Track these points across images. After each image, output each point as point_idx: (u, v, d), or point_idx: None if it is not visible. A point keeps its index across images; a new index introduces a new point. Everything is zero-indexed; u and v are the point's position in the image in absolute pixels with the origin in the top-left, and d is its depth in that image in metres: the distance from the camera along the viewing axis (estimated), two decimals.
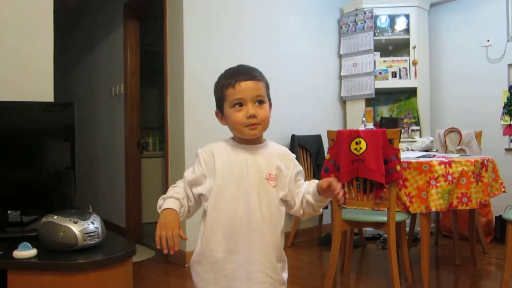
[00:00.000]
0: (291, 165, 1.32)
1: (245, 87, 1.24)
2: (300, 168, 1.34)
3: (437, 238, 3.77)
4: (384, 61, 4.21)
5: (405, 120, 4.24)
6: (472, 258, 3.13)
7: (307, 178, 3.89)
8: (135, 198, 4.13)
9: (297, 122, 3.96)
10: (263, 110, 1.26)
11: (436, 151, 3.49)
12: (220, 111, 1.31)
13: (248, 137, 1.27)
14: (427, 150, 3.43)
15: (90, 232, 1.61)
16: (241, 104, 1.24)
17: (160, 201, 1.25)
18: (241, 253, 1.23)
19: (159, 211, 1.23)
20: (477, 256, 3.19)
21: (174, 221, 1.18)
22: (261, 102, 1.26)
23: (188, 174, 1.29)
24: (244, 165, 1.26)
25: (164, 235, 1.15)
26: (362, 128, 3.63)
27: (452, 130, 3.56)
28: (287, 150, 1.37)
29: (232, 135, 1.34)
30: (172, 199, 1.23)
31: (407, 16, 4.19)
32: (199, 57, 3.29)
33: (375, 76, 4.15)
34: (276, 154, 1.31)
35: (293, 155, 1.36)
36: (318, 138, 4.06)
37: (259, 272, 1.23)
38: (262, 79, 1.30)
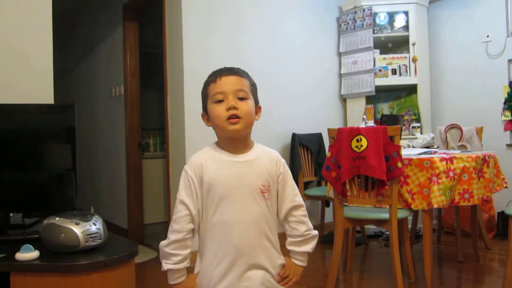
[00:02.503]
0: (278, 171, 1.28)
1: (226, 81, 1.22)
2: (287, 172, 1.31)
3: (439, 234, 3.76)
4: (384, 59, 4.20)
5: (405, 117, 4.24)
6: (475, 254, 3.13)
7: (308, 176, 3.90)
8: (136, 199, 4.14)
9: (298, 121, 3.96)
10: (245, 104, 1.21)
11: (437, 147, 3.49)
12: (205, 112, 1.28)
13: (230, 134, 1.22)
14: (428, 147, 3.43)
15: (92, 233, 1.61)
16: (221, 101, 1.21)
17: (166, 267, 1.27)
18: (241, 267, 1.21)
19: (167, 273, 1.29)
20: (480, 252, 3.18)
21: None
22: (242, 98, 1.21)
23: (184, 204, 1.23)
24: (237, 179, 1.22)
25: None
26: (362, 125, 3.63)
27: (453, 126, 3.56)
28: (275, 155, 1.31)
29: (215, 140, 1.31)
30: (178, 270, 1.28)
31: (406, 13, 4.19)
32: (198, 57, 3.29)
33: (375, 73, 4.15)
34: (265, 161, 1.27)
35: (282, 161, 1.32)
36: (319, 136, 4.06)
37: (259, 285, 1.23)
38: (246, 77, 1.26)
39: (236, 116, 1.19)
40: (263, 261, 1.23)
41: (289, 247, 1.32)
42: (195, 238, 1.29)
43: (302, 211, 1.31)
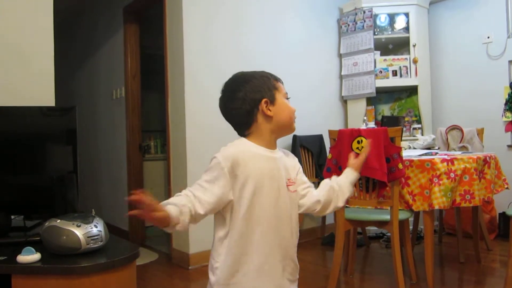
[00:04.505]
0: (297, 167, 1.36)
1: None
2: (300, 167, 1.40)
3: (440, 236, 3.76)
4: (385, 60, 4.20)
5: (406, 119, 4.24)
6: (476, 255, 3.12)
7: (309, 178, 3.89)
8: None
9: (298, 123, 3.87)
10: None
11: (438, 148, 3.49)
12: (271, 100, 1.26)
13: (290, 131, 1.34)
14: (429, 148, 3.43)
15: (93, 236, 1.61)
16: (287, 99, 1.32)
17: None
18: (268, 262, 1.22)
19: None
20: (481, 253, 3.18)
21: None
22: None
23: (211, 186, 1.15)
24: (273, 172, 1.23)
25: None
26: (363, 127, 3.63)
27: (454, 127, 3.56)
28: (291, 153, 1.42)
29: (243, 137, 1.27)
30: (169, 205, 1.10)
31: (406, 15, 4.19)
32: (199, 59, 3.29)
33: (376, 75, 4.15)
34: (290, 159, 1.35)
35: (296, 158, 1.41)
36: (319, 138, 4.06)
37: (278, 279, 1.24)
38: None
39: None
40: (291, 254, 1.29)
41: (341, 182, 1.46)
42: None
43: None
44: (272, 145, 1.28)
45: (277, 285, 1.23)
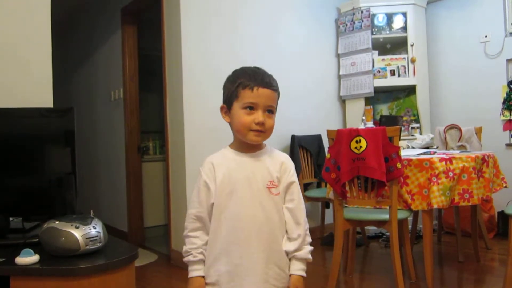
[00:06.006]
0: (286, 174, 1.30)
1: (262, 93, 1.23)
2: (294, 178, 1.32)
3: (439, 235, 3.76)
4: (383, 60, 4.21)
5: (404, 118, 4.24)
6: (475, 254, 3.13)
7: (308, 178, 3.90)
8: (136, 202, 4.14)
9: (297, 123, 3.96)
10: (271, 120, 1.26)
11: (437, 148, 3.49)
12: (228, 107, 1.30)
13: (249, 142, 1.26)
14: (427, 147, 3.43)
15: (92, 237, 1.60)
16: (252, 108, 1.23)
17: (186, 256, 1.28)
18: (244, 265, 1.23)
19: (186, 262, 1.28)
20: (480, 252, 3.18)
21: None
22: (271, 111, 1.26)
23: (195, 203, 1.29)
24: (245, 174, 1.26)
25: None
26: (362, 126, 3.63)
27: (452, 126, 3.56)
28: (285, 158, 1.34)
29: (229, 144, 1.34)
30: (196, 266, 1.26)
31: (404, 14, 4.20)
32: (197, 60, 3.29)
33: (374, 74, 4.16)
34: (275, 161, 1.30)
35: (292, 164, 1.34)
36: (318, 138, 4.06)
37: (260, 282, 1.23)
38: (277, 90, 1.29)
39: (261, 131, 1.24)
40: (267, 256, 1.24)
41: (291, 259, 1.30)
42: None
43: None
44: (244, 148, 1.29)
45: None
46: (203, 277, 1.26)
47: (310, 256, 1.29)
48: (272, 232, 1.26)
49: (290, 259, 1.28)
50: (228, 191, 1.25)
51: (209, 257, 1.26)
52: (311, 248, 1.30)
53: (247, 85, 1.23)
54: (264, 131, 1.24)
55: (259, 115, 1.22)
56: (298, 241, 1.26)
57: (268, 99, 1.24)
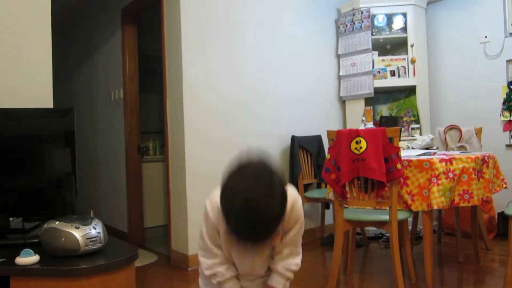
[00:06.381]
0: (295, 227, 1.27)
1: (251, 249, 1.23)
2: (297, 230, 1.28)
3: (439, 235, 3.76)
4: (383, 60, 4.21)
5: (404, 119, 4.24)
6: (475, 255, 3.12)
7: (308, 179, 3.90)
8: (136, 203, 4.13)
9: (297, 123, 3.97)
10: (272, 242, 1.18)
11: (437, 148, 3.49)
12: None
13: None
14: (427, 148, 3.43)
15: (92, 237, 1.61)
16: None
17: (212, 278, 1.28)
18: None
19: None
20: (480, 253, 3.18)
21: None
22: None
23: (208, 242, 1.26)
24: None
25: None
26: (362, 127, 3.63)
27: (452, 127, 3.56)
28: (296, 210, 1.24)
29: None
30: (229, 282, 1.28)
31: (404, 15, 4.20)
32: (197, 61, 3.29)
33: (374, 75, 4.16)
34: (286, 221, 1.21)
35: (302, 219, 1.27)
36: (318, 138, 4.06)
37: None
38: (277, 230, 1.08)
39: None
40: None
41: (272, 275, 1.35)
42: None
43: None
44: None
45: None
46: None
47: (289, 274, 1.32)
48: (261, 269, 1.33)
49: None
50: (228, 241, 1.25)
51: None
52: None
53: (232, 233, 1.09)
54: None
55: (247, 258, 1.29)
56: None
57: (262, 248, 1.23)
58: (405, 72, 4.16)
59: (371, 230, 3.90)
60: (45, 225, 1.62)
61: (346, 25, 4.31)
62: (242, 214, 1.01)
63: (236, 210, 1.01)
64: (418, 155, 2.72)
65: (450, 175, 2.46)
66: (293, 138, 3.83)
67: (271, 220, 1.04)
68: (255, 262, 1.29)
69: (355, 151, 2.39)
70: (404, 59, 4.18)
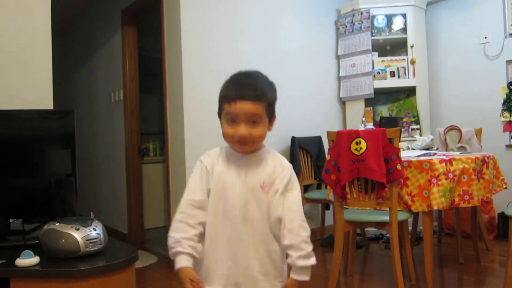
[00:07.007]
0: (282, 178, 1.26)
1: (240, 108, 1.19)
2: (286, 180, 1.27)
3: (439, 236, 3.76)
4: (382, 61, 4.21)
5: (404, 119, 4.25)
6: (476, 255, 3.12)
7: (308, 179, 3.90)
8: (136, 204, 4.13)
9: (297, 124, 3.97)
10: (257, 129, 1.23)
11: (437, 149, 3.49)
12: (219, 116, 1.30)
13: (237, 150, 1.27)
14: (427, 149, 3.44)
15: (92, 239, 1.60)
16: (234, 121, 1.22)
17: (171, 248, 1.22)
18: (240, 262, 1.23)
19: (171, 257, 1.23)
20: (481, 254, 3.18)
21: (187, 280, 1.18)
22: (255, 121, 1.22)
23: (197, 189, 1.26)
24: (238, 175, 1.26)
25: None
26: (362, 128, 3.63)
27: (452, 128, 3.57)
28: (283, 161, 1.31)
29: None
30: (182, 256, 1.19)
31: (404, 16, 4.20)
32: (197, 62, 3.30)
33: (374, 76, 4.16)
34: (271, 165, 1.28)
35: (289, 166, 1.30)
36: (318, 139, 4.06)
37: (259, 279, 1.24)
38: (264, 98, 1.22)
39: (245, 141, 1.22)
40: (261, 255, 1.24)
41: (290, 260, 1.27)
42: None
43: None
44: (241, 151, 1.28)
45: (252, 276, 1.23)
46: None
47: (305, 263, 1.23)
48: (263, 231, 1.25)
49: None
50: (222, 189, 1.25)
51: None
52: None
53: (226, 98, 1.22)
54: (250, 140, 1.22)
55: (240, 129, 1.20)
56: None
57: (250, 112, 1.19)
58: (405, 73, 4.16)
59: (371, 231, 3.90)
60: (45, 227, 1.62)
61: (346, 26, 4.32)
62: (233, 77, 1.26)
63: (229, 79, 1.27)
64: (418, 156, 2.72)
65: (450, 175, 2.46)
66: (293, 139, 3.83)
67: (258, 78, 1.25)
68: (248, 206, 1.23)
69: (355, 152, 2.39)
70: (404, 59, 4.18)
